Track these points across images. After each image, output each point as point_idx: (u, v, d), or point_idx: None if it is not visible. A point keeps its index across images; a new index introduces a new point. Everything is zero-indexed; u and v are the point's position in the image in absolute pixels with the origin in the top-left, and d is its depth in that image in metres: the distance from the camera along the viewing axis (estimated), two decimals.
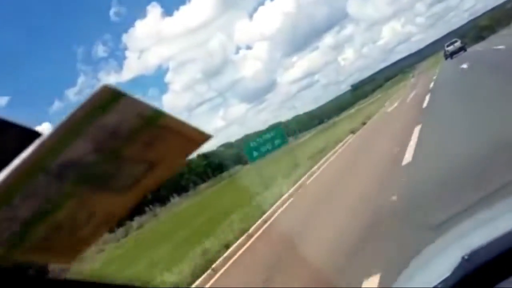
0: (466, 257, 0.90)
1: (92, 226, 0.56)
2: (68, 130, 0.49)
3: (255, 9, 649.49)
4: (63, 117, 0.47)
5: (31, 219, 0.51)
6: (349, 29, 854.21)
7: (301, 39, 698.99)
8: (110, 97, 0.48)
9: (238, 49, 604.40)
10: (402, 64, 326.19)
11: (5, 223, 0.49)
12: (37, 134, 0.54)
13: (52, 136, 0.49)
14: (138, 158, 0.55)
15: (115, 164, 0.53)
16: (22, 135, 0.54)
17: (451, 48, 44.47)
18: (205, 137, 0.57)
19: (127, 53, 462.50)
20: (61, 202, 0.52)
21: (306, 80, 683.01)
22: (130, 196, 0.57)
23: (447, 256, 1.13)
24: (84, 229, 0.56)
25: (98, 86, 0.48)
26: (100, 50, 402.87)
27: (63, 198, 0.52)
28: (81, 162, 0.51)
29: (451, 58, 42.00)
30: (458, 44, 44.28)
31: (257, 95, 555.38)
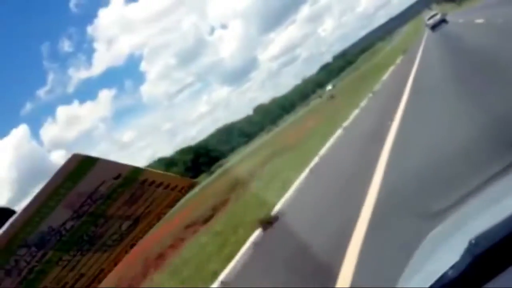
0: (473, 241, 0.91)
1: (81, 285, 0.61)
2: (42, 203, 0.51)
3: None
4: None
5: None
6: None
7: (276, 13, 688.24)
8: (82, 165, 0.50)
9: (212, 29, 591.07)
10: (383, 29, 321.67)
11: None
12: (11, 212, 0.59)
13: (26, 210, 0.51)
14: (122, 216, 0.58)
15: (98, 225, 0.57)
16: None
17: (431, 21, 44.93)
18: (188, 183, 0.61)
19: (95, 45, 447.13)
20: (46, 269, 0.55)
21: (288, 55, 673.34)
22: (118, 251, 0.62)
23: (453, 241, 1.15)
24: None
25: (69, 155, 0.50)
26: (66, 45, 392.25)
27: (48, 264, 0.55)
28: (62, 228, 0.53)
29: (433, 31, 41.82)
30: (438, 17, 44.58)
31: (239, 76, 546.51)
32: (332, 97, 40.89)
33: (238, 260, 7.18)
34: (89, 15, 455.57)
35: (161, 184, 0.58)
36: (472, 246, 0.91)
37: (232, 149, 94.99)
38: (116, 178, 0.54)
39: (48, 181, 0.50)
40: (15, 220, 0.51)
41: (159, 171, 0.58)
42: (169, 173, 0.59)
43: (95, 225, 0.57)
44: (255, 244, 7.48)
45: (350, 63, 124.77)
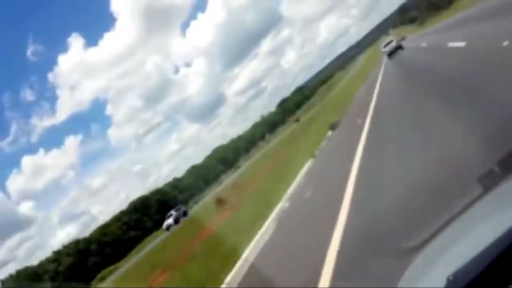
0: (450, 277, 0.93)
1: None
2: None
3: (187, 25, 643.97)
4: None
5: None
6: (286, 32, 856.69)
7: (239, 48, 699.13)
8: None
9: (177, 68, 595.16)
10: (343, 57, 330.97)
11: None
12: None
13: None
14: None
15: None
16: None
17: (387, 49, 45.58)
18: None
19: (58, 92, 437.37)
20: None
21: (254, 89, 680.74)
22: None
23: (430, 278, 1.17)
24: None
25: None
26: (28, 94, 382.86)
27: None
28: None
29: (390, 58, 42.60)
30: (393, 44, 45.43)
31: (207, 113, 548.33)
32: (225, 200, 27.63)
33: None
34: (49, 62, 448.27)
35: None
36: (450, 282, 0.91)
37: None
38: None
39: None
40: None
41: None
42: None
43: None
44: None
45: (307, 97, 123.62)
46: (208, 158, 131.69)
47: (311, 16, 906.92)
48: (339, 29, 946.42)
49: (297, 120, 78.63)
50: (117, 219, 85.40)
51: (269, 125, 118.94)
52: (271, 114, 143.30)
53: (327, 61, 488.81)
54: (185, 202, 77.68)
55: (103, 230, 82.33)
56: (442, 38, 21.60)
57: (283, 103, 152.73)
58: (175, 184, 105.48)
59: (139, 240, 67.76)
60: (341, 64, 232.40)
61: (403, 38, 57.23)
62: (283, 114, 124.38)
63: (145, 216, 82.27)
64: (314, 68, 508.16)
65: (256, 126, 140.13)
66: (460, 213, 1.73)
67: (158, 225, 63.54)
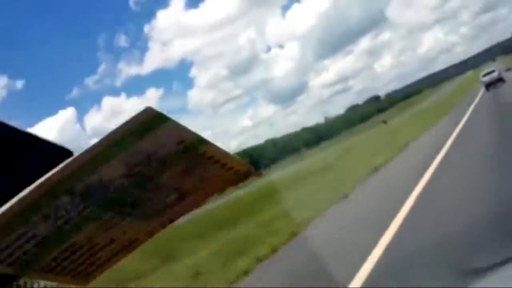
0: None
1: (111, 250, 0.59)
2: (101, 153, 0.49)
3: (289, 7, 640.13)
4: (100, 139, 0.48)
5: (48, 239, 0.52)
6: (387, 34, 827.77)
7: (335, 41, 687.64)
8: (152, 120, 0.49)
9: (268, 48, 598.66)
10: (441, 75, 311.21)
11: (20, 241, 0.51)
12: (70, 153, 0.57)
13: (83, 156, 0.49)
14: (171, 186, 0.56)
15: (145, 191, 0.55)
16: (54, 153, 0.57)
17: (486, 79, 42.19)
18: (245, 168, 0.59)
19: (149, 44, 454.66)
20: (82, 224, 0.54)
21: (340, 84, 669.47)
22: (156, 224, 0.60)
23: None
24: (102, 253, 0.58)
25: (141, 109, 0.50)
26: (122, 40, 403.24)
27: (85, 220, 0.54)
28: (110, 185, 0.52)
29: (487, 90, 39.61)
30: (495, 74, 41.93)
31: (287, 97, 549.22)
32: None
33: None
34: (148, 15, 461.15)
35: (218, 161, 0.56)
36: None
37: None
38: (178, 143, 0.52)
39: (114, 129, 0.49)
40: (70, 163, 0.49)
41: (222, 149, 0.56)
42: (232, 155, 0.57)
43: (143, 191, 0.54)
44: None
45: (379, 110, 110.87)
46: None
47: (417, 25, 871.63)
48: (443, 45, 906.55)
49: (385, 122, 67.99)
50: None
51: (317, 136, 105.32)
52: (337, 117, 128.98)
53: (422, 74, 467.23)
54: None
55: None
56: None
57: (352, 109, 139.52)
58: None
59: None
60: (435, 81, 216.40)
61: (508, 69, 48.26)
62: (346, 124, 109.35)
63: None
64: (408, 78, 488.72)
65: (320, 126, 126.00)
66: None
67: None
